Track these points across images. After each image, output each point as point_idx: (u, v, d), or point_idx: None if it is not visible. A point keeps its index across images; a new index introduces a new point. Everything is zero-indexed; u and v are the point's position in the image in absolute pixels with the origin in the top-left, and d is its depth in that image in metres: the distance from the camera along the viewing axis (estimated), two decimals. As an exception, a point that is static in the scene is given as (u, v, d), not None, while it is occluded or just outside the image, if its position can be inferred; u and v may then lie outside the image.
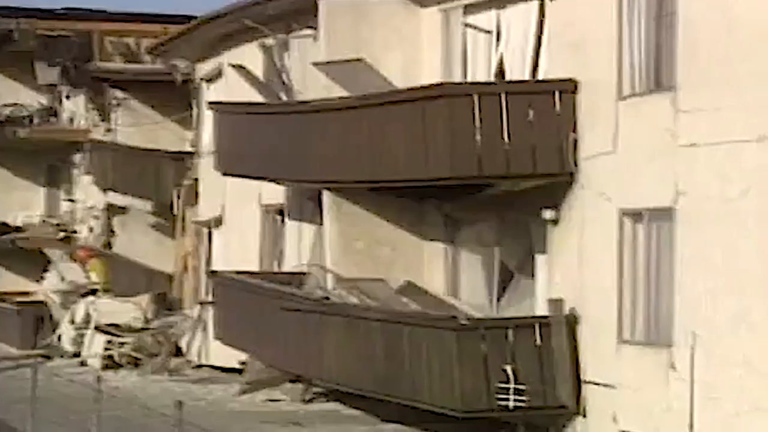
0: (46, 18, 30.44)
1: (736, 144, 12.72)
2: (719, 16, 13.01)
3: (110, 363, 24.18)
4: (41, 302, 28.35)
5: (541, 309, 15.28)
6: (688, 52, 13.36)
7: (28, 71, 30.50)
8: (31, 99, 32.01)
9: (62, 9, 31.31)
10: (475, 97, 14.82)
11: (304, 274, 18.97)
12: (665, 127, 13.60)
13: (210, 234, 24.86)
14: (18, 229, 32.16)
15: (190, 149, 26.45)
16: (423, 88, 16.21)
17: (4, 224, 32.04)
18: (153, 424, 15.26)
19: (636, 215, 14.18)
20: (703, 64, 13.16)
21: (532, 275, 15.92)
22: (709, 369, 12.90)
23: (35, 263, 30.89)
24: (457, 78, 17.13)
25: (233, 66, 21.92)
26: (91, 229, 30.09)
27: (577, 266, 14.78)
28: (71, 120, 31.47)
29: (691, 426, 13.02)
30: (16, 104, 31.77)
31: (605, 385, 14.26)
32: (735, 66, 12.77)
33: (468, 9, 17.19)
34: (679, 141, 13.43)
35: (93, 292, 27.11)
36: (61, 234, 31.20)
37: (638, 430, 13.77)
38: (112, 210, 29.07)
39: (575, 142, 14.83)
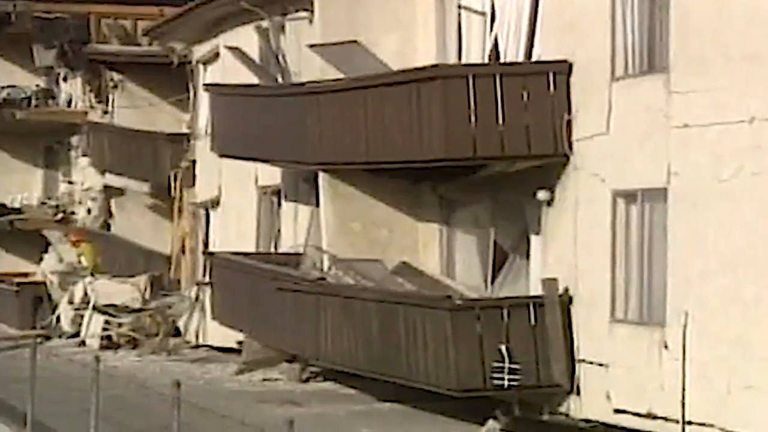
0: (42, 0, 30.44)
1: (729, 125, 12.79)
2: (712, -2, 13.09)
3: (109, 343, 24.29)
4: (40, 283, 28.46)
5: (536, 289, 15.38)
6: (680, 33, 13.42)
7: (26, 53, 30.52)
8: (29, 81, 32.04)
9: (59, -9, 31.32)
10: (470, 79, 14.88)
11: (300, 254, 19.08)
12: (658, 108, 13.67)
13: (207, 215, 24.96)
14: (16, 210, 32.24)
15: (186, 131, 26.51)
16: (418, 69, 16.27)
17: (3, 206, 32.12)
18: (151, 403, 15.38)
19: (629, 196, 14.27)
20: (695, 45, 13.24)
21: (527, 255, 16.02)
22: (701, 348, 13.01)
23: (34, 245, 30.99)
24: (452, 60, 17.20)
25: (229, 48, 21.97)
26: (89, 211, 30.18)
27: (571, 246, 14.88)
28: (68, 102, 31.51)
29: (684, 404, 13.13)
30: (13, 86, 31.80)
31: (599, 364, 14.38)
32: (727, 47, 12.84)
33: (463, -9, 17.26)
34: (672, 122, 13.50)
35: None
36: (60, 215, 31.29)
37: (631, 408, 13.89)
38: (109, 191, 29.15)
39: (569, 123, 14.91)
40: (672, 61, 13.52)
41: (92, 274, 26.53)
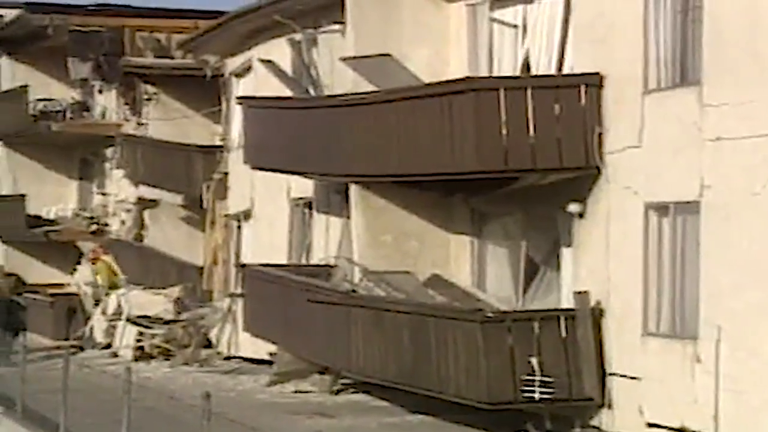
0: (78, 14, 30.70)
1: (762, 138, 12.74)
2: (744, 10, 13.04)
3: (141, 354, 24.41)
4: (74, 294, 28.63)
5: (567, 302, 15.34)
6: (713, 46, 13.39)
7: (62, 66, 30.76)
8: (64, 93, 32.28)
9: (94, 5, 31.59)
10: (501, 92, 14.91)
11: (331, 266, 19.11)
12: (691, 121, 13.63)
13: (239, 227, 25.05)
14: (51, 222, 32.46)
15: (219, 143, 26.63)
16: (449, 82, 16.30)
17: (38, 217, 32.35)
18: (182, 414, 15.45)
19: (662, 209, 14.22)
20: (728, 58, 13.19)
21: (558, 268, 15.99)
22: (734, 362, 12.94)
23: (68, 256, 31.18)
24: (484, 72, 17.21)
25: (262, 61, 22.07)
26: (122, 222, 30.36)
27: (602, 259, 14.85)
28: (103, 114, 31.72)
29: (716, 418, 13.07)
30: (49, 99, 32.06)
31: (631, 378, 14.33)
32: (760, 60, 12.80)
33: (494, 4, 17.27)
34: (704, 135, 13.46)
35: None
36: (94, 227, 31.48)
37: (664, 422, 13.82)
38: (143, 203, 29.30)
39: (601, 135, 14.89)
40: (705, 74, 13.49)
41: (110, 290, 26.57)
